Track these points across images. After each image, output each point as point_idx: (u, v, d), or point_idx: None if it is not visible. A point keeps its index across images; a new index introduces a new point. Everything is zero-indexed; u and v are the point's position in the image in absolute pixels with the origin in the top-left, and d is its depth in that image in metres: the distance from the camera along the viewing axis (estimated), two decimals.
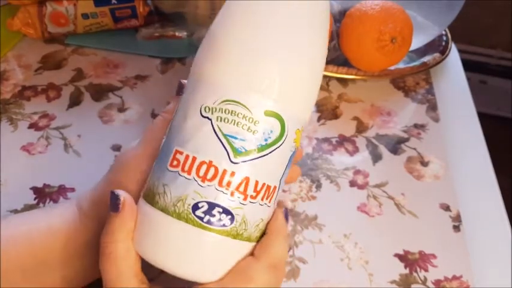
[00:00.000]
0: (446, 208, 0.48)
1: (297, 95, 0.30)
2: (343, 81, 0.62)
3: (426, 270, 0.43)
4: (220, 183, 0.28)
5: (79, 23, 0.64)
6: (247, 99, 0.28)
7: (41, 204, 0.46)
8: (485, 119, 0.65)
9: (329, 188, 0.49)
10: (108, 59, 0.64)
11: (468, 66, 0.70)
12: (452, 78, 0.65)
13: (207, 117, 0.29)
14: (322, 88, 0.61)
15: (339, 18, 0.61)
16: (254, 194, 0.29)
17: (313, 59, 0.31)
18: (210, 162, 0.28)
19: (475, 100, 0.61)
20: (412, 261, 0.43)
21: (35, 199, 0.46)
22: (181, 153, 0.29)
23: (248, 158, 0.28)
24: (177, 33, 0.66)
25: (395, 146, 0.54)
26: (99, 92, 0.58)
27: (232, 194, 0.28)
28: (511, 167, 1.35)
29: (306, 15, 0.30)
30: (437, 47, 0.65)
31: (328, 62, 0.61)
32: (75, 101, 0.57)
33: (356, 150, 0.53)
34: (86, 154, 0.51)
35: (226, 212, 0.28)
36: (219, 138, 0.28)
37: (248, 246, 0.30)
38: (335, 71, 0.60)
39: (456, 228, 0.46)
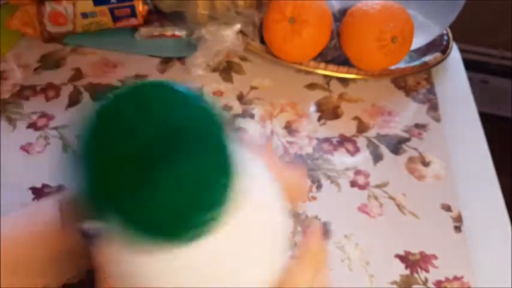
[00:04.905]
0: (448, 208, 0.47)
1: None
2: (343, 81, 0.61)
3: (427, 271, 0.42)
4: None
5: (78, 22, 0.64)
6: None
7: None
8: (486, 118, 0.64)
9: (329, 188, 0.49)
10: (107, 58, 0.63)
11: (469, 65, 0.70)
12: (454, 78, 0.65)
13: None
14: (322, 88, 0.60)
15: (338, 17, 0.61)
16: None
17: None
18: None
19: (476, 100, 0.61)
20: (413, 261, 0.43)
21: (33, 199, 0.46)
22: None
23: None
24: (176, 33, 0.66)
25: (396, 146, 0.54)
26: (98, 92, 0.58)
27: None
28: None
29: None
30: (438, 46, 0.64)
31: (329, 61, 0.61)
32: (74, 101, 0.57)
33: (357, 150, 0.53)
34: None
35: None
36: None
37: None
38: (336, 71, 0.60)
39: (457, 228, 0.46)
